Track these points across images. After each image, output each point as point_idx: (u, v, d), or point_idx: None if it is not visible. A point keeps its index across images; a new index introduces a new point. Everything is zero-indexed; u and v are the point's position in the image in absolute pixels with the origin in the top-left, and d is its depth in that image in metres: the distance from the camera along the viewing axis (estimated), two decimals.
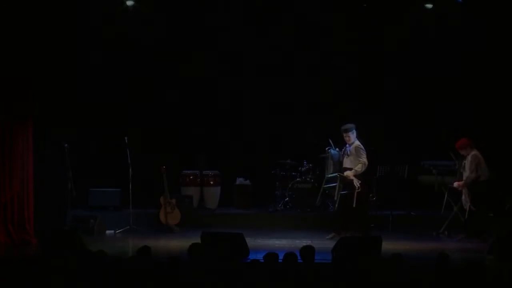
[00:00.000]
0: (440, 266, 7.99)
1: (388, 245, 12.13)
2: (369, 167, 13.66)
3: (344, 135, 13.32)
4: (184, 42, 15.82)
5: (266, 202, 15.58)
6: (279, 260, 8.22)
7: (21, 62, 12.92)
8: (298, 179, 15.36)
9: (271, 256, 8.18)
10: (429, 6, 14.93)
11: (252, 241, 12.57)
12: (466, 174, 13.36)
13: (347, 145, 13.36)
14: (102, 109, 15.56)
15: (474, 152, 13.32)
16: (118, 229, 14.08)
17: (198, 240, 11.43)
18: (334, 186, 13.43)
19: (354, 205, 13.08)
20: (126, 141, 14.21)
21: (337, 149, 13.53)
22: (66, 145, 13.26)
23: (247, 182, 15.69)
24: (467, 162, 13.32)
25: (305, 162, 15.61)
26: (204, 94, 16.10)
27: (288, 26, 15.69)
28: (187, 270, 7.82)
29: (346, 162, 13.37)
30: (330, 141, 13.52)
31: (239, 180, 15.74)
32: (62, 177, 13.37)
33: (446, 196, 14.14)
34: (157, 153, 15.09)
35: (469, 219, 13.27)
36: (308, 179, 15.41)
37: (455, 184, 13.51)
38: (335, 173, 13.47)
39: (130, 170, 14.21)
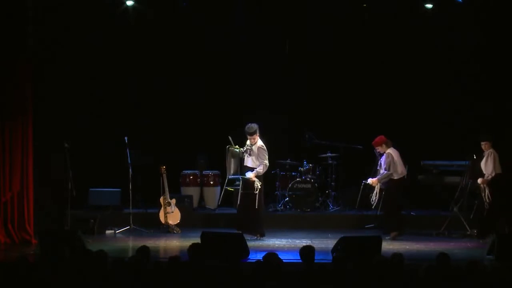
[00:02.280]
0: (440, 266, 7.98)
1: (388, 245, 12.15)
2: (368, 167, 13.70)
3: (249, 137, 13.10)
4: (184, 43, 15.85)
5: (266, 202, 15.56)
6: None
7: (21, 61, 12.92)
8: (298, 179, 15.37)
9: (271, 256, 8.17)
10: (429, 6, 14.91)
11: (252, 241, 12.58)
12: (381, 170, 13.46)
13: (249, 144, 13.16)
14: (102, 109, 15.58)
15: (390, 150, 13.34)
16: (118, 229, 14.08)
17: (198, 240, 11.44)
18: (239, 187, 13.36)
19: (256, 206, 13.00)
20: (126, 141, 14.22)
21: (237, 146, 13.35)
22: (66, 145, 13.25)
23: None
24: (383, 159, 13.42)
25: (305, 162, 15.63)
26: (204, 94, 16.11)
27: (288, 26, 15.71)
28: (187, 270, 7.82)
29: (247, 161, 13.21)
30: (230, 138, 13.35)
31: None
32: (62, 177, 13.36)
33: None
34: (157, 153, 15.08)
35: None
36: (308, 179, 15.42)
37: (369, 180, 13.61)
38: (236, 173, 13.32)
39: (130, 170, 14.22)
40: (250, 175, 13.03)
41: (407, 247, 12.51)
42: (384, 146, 13.42)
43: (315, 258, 8.59)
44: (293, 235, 13.62)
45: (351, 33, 15.83)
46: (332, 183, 15.73)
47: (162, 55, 15.89)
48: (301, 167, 15.60)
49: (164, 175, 14.07)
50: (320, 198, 15.62)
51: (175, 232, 13.91)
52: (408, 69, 15.86)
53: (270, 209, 15.40)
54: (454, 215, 13.94)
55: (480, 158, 13.51)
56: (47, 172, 13.73)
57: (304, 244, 8.86)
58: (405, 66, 15.84)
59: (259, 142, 13.13)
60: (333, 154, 15.77)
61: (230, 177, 13.47)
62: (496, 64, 15.01)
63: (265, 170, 13.14)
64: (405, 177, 13.58)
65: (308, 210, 15.28)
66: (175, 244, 12.86)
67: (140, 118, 15.81)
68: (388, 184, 13.42)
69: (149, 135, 15.64)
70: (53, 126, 14.06)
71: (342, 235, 11.41)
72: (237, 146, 13.30)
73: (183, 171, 15.63)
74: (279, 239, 13.23)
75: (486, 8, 14.64)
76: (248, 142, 13.19)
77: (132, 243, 12.90)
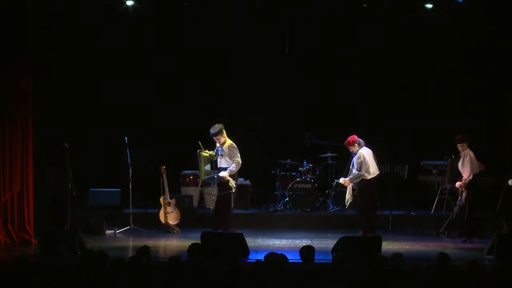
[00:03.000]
0: (440, 266, 7.98)
1: (388, 245, 12.15)
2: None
3: (214, 138, 13.05)
4: (184, 42, 15.86)
5: (267, 202, 15.58)
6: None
7: (21, 61, 12.93)
8: (298, 179, 15.37)
9: (272, 256, 8.17)
10: (429, 6, 14.91)
11: (252, 241, 12.59)
12: (353, 170, 13.40)
13: (219, 146, 13.12)
14: (102, 109, 15.59)
15: (362, 150, 13.29)
16: (118, 229, 14.08)
17: (198, 240, 11.44)
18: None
19: (232, 205, 13.02)
20: (126, 141, 14.22)
21: (206, 150, 13.26)
22: (66, 145, 13.24)
23: (247, 182, 15.69)
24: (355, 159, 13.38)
25: (305, 162, 15.63)
26: (203, 94, 16.11)
27: (288, 26, 15.72)
28: (187, 270, 7.81)
29: (221, 163, 13.16)
30: (200, 143, 13.27)
31: (239, 180, 15.69)
32: (62, 177, 13.36)
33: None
34: (157, 153, 15.08)
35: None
36: (308, 179, 15.43)
37: (341, 179, 13.58)
38: (210, 174, 13.28)
39: (130, 170, 14.22)
40: (223, 174, 12.99)
41: (407, 247, 12.51)
42: (356, 146, 13.31)
43: (315, 258, 8.60)
44: (293, 235, 13.62)
45: (351, 33, 15.82)
46: (332, 183, 15.73)
47: (162, 55, 15.89)
48: (301, 167, 15.61)
49: (164, 175, 14.06)
50: (320, 198, 15.63)
51: (175, 232, 13.90)
52: (408, 68, 15.86)
53: (270, 209, 15.41)
54: (454, 215, 13.95)
55: (457, 158, 13.53)
56: (47, 172, 13.74)
57: (304, 244, 8.86)
58: (405, 66, 15.84)
59: (228, 141, 13.08)
60: (333, 154, 15.77)
61: (204, 179, 13.41)
62: (496, 64, 15.02)
63: (238, 168, 13.08)
64: (379, 176, 13.54)
65: (308, 210, 15.28)
66: (175, 244, 12.86)
67: (140, 118, 15.81)
68: (361, 184, 13.35)
69: (149, 135, 15.64)
70: (53, 126, 14.06)
71: (342, 235, 11.42)
72: (206, 150, 13.27)
73: (183, 171, 15.64)
74: (279, 239, 13.24)
75: (485, 8, 14.64)
76: (217, 144, 13.14)
77: (132, 243, 12.90)
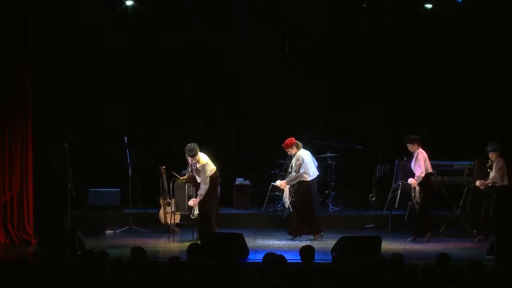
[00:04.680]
0: (440, 266, 7.98)
1: (388, 245, 12.15)
2: (368, 167, 13.69)
3: (191, 159, 13.04)
4: (185, 42, 15.86)
5: (266, 202, 15.57)
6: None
7: (21, 60, 12.92)
8: None
9: (271, 256, 8.17)
10: (429, 6, 14.91)
11: (251, 241, 12.58)
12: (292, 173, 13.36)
13: (192, 164, 13.11)
14: (103, 108, 15.59)
15: (300, 152, 13.27)
16: (118, 229, 14.08)
17: (198, 240, 11.45)
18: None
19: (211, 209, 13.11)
20: (126, 141, 14.22)
21: (181, 178, 13.29)
22: (65, 145, 13.24)
23: (247, 182, 15.69)
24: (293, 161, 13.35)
25: None
26: (203, 94, 16.11)
27: (287, 26, 15.72)
28: (186, 270, 7.81)
29: (199, 178, 13.14)
30: (174, 173, 13.41)
31: (239, 180, 15.74)
32: (61, 177, 13.35)
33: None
34: (156, 153, 15.07)
35: None
36: None
37: (277, 182, 13.52)
38: (183, 209, 13.31)
39: (129, 170, 14.23)
40: (193, 202, 13.06)
41: (407, 247, 12.52)
42: (294, 148, 13.26)
43: (315, 258, 8.59)
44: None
45: (351, 33, 15.81)
46: (332, 183, 15.73)
47: (162, 54, 15.88)
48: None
49: (164, 175, 14.05)
50: (319, 198, 15.61)
51: (174, 232, 13.90)
52: (408, 68, 15.85)
53: (270, 209, 15.40)
54: (453, 215, 13.96)
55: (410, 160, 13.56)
56: (47, 173, 13.73)
57: (304, 244, 8.85)
58: (405, 66, 15.83)
59: (202, 160, 13.05)
60: (333, 154, 15.77)
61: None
62: (496, 64, 15.02)
63: (207, 185, 13.05)
64: (318, 177, 13.59)
65: None
66: (175, 244, 12.85)
67: (140, 118, 15.81)
68: (301, 185, 13.27)
69: (148, 135, 15.64)
70: (52, 126, 14.06)
71: (342, 235, 11.41)
72: (183, 178, 13.33)
73: (183, 171, 15.62)
74: (278, 240, 13.23)
75: (485, 8, 14.64)
76: (190, 161, 13.14)
77: (132, 243, 12.87)
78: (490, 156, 13.30)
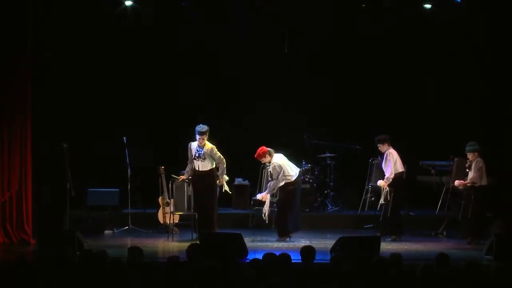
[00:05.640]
0: (439, 266, 7.99)
1: (387, 245, 12.16)
2: (367, 167, 13.70)
3: (199, 137, 12.98)
4: (184, 42, 15.88)
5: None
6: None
7: (20, 60, 12.93)
8: None
9: (270, 256, 8.18)
10: (428, 6, 14.91)
11: (250, 242, 12.58)
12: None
13: (198, 147, 13.08)
14: (102, 108, 15.60)
15: (274, 158, 13.18)
16: (117, 229, 14.09)
17: (197, 241, 11.45)
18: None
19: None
20: (125, 141, 14.23)
21: (180, 176, 13.36)
22: (64, 145, 13.25)
23: (246, 182, 15.69)
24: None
25: (303, 162, 15.62)
26: (204, 94, 16.11)
27: (287, 26, 15.73)
28: (185, 270, 7.82)
29: (205, 165, 13.10)
30: (173, 176, 13.48)
31: (238, 180, 15.73)
32: (60, 177, 13.36)
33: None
34: (155, 153, 15.07)
35: None
36: (306, 179, 15.42)
37: (258, 196, 13.41)
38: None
39: (128, 170, 14.24)
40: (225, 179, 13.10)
41: (406, 247, 12.52)
42: (267, 156, 13.18)
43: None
44: (291, 235, 13.59)
45: (350, 33, 15.83)
46: (331, 183, 15.74)
47: (161, 55, 15.88)
48: (300, 168, 15.56)
49: (163, 175, 14.05)
50: (318, 198, 15.64)
51: (173, 232, 13.90)
52: (407, 68, 15.86)
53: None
54: (452, 215, 13.98)
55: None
56: (46, 172, 13.73)
57: (303, 244, 8.85)
58: (404, 66, 15.84)
59: (209, 145, 13.05)
60: (332, 154, 15.78)
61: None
62: (494, 64, 15.02)
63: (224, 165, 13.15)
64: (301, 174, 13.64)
65: (307, 210, 15.28)
66: (174, 244, 12.86)
67: (139, 118, 15.82)
68: (287, 187, 13.18)
69: (148, 135, 15.64)
70: (51, 126, 14.06)
71: (341, 235, 11.41)
72: (180, 177, 13.39)
73: (182, 171, 15.61)
74: (277, 239, 13.21)
75: (484, 8, 14.64)
76: (194, 144, 13.11)
77: (131, 243, 12.88)
78: (468, 156, 13.31)
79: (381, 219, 13.44)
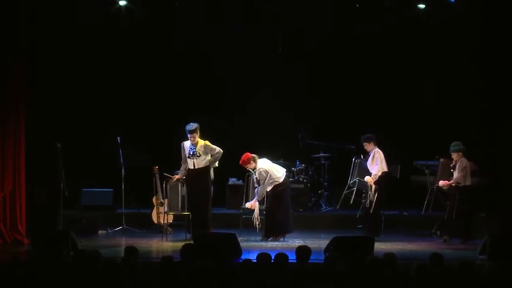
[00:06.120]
0: (433, 266, 7.99)
1: (381, 245, 12.16)
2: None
3: (190, 136, 12.96)
4: (178, 42, 15.87)
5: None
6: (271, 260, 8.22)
7: (13, 60, 12.90)
8: (290, 179, 15.34)
9: (264, 256, 8.18)
10: (422, 6, 14.93)
11: (244, 242, 12.58)
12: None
13: (191, 145, 13.03)
14: (96, 108, 15.59)
15: (259, 164, 13.14)
16: (111, 229, 14.08)
17: (191, 241, 11.44)
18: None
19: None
20: (119, 141, 14.22)
21: (173, 176, 13.38)
22: (58, 145, 13.23)
23: (240, 182, 15.68)
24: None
25: (297, 162, 15.63)
26: (197, 94, 16.11)
27: (281, 26, 15.73)
28: (179, 270, 7.81)
29: (199, 163, 13.06)
30: (166, 174, 13.49)
31: (232, 180, 15.74)
32: (54, 177, 13.34)
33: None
34: (150, 153, 15.07)
35: None
36: (300, 179, 15.43)
37: (247, 204, 13.32)
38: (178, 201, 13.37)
39: (122, 170, 14.23)
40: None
41: (400, 247, 12.52)
42: (252, 163, 13.13)
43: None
44: (285, 235, 13.59)
45: (344, 33, 15.84)
46: (325, 183, 15.74)
47: (156, 55, 15.88)
48: (294, 167, 15.60)
49: (157, 176, 14.05)
50: (312, 198, 15.65)
51: (167, 232, 13.90)
52: (401, 68, 15.88)
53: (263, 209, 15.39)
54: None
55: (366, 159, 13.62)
56: (39, 172, 13.71)
57: (297, 244, 8.84)
58: (398, 65, 15.86)
59: (201, 141, 13.03)
60: (326, 154, 15.79)
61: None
62: (490, 64, 15.03)
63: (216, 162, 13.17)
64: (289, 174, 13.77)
65: (301, 210, 15.29)
66: (168, 244, 12.85)
67: (133, 118, 15.81)
68: (276, 189, 13.16)
69: (142, 135, 15.63)
70: (45, 126, 14.04)
71: (335, 235, 11.42)
72: (175, 176, 13.39)
73: (176, 171, 15.61)
74: (271, 240, 13.21)
75: (479, 8, 14.65)
76: (188, 143, 13.08)
77: (125, 243, 12.87)
78: (452, 156, 13.32)
79: (359, 216, 13.42)
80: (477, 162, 14.07)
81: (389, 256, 8.20)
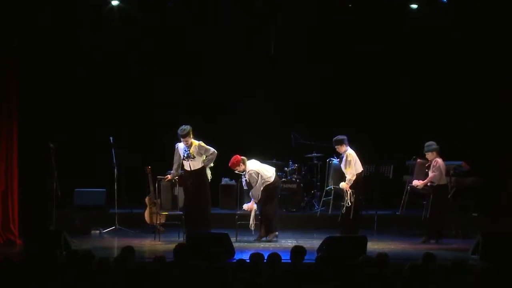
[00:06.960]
0: (426, 266, 8.01)
1: (373, 245, 12.18)
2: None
3: (183, 140, 12.96)
4: (171, 42, 15.86)
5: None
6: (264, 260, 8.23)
7: (6, 60, 12.87)
8: (283, 179, 15.36)
9: (257, 256, 8.19)
10: (414, 6, 14.96)
11: (237, 242, 12.58)
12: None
13: (185, 147, 13.03)
14: (88, 108, 15.57)
15: (249, 166, 13.14)
16: (104, 229, 14.07)
17: (184, 241, 11.43)
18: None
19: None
20: (112, 141, 14.21)
21: (166, 176, 13.39)
22: (51, 145, 13.21)
23: (233, 182, 15.68)
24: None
25: (290, 162, 15.64)
26: (190, 94, 16.11)
27: (273, 26, 15.74)
28: (172, 270, 7.81)
29: (194, 164, 13.07)
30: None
31: (225, 180, 15.74)
32: (47, 177, 13.31)
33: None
34: (143, 154, 15.06)
35: None
36: (293, 179, 15.44)
37: (245, 206, 13.34)
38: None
39: (115, 170, 14.22)
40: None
41: (393, 247, 12.55)
42: (241, 165, 13.13)
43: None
44: (278, 235, 13.60)
45: (337, 32, 15.86)
46: (318, 183, 15.75)
47: (148, 55, 15.87)
48: (287, 167, 15.62)
49: (150, 175, 14.04)
50: (305, 198, 15.66)
51: (160, 232, 13.89)
52: (395, 68, 15.91)
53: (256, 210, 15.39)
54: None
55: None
56: (32, 173, 13.67)
57: (290, 244, 8.85)
58: (392, 66, 15.88)
59: (195, 142, 13.02)
60: (319, 154, 15.80)
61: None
62: (485, 64, 15.08)
63: (211, 162, 13.16)
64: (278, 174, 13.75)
65: (294, 210, 15.31)
66: (161, 244, 12.84)
67: (126, 118, 15.80)
68: (267, 190, 13.16)
69: (134, 135, 15.63)
70: (38, 126, 13.99)
71: (328, 235, 11.43)
72: (167, 176, 13.37)
73: (168, 171, 15.60)
74: (265, 239, 13.22)
75: (470, 8, 14.69)
76: (182, 145, 13.08)
77: (118, 243, 12.88)
78: (426, 156, 13.34)
79: (339, 220, 13.36)
80: (468, 163, 14.11)
81: (382, 256, 8.21)
